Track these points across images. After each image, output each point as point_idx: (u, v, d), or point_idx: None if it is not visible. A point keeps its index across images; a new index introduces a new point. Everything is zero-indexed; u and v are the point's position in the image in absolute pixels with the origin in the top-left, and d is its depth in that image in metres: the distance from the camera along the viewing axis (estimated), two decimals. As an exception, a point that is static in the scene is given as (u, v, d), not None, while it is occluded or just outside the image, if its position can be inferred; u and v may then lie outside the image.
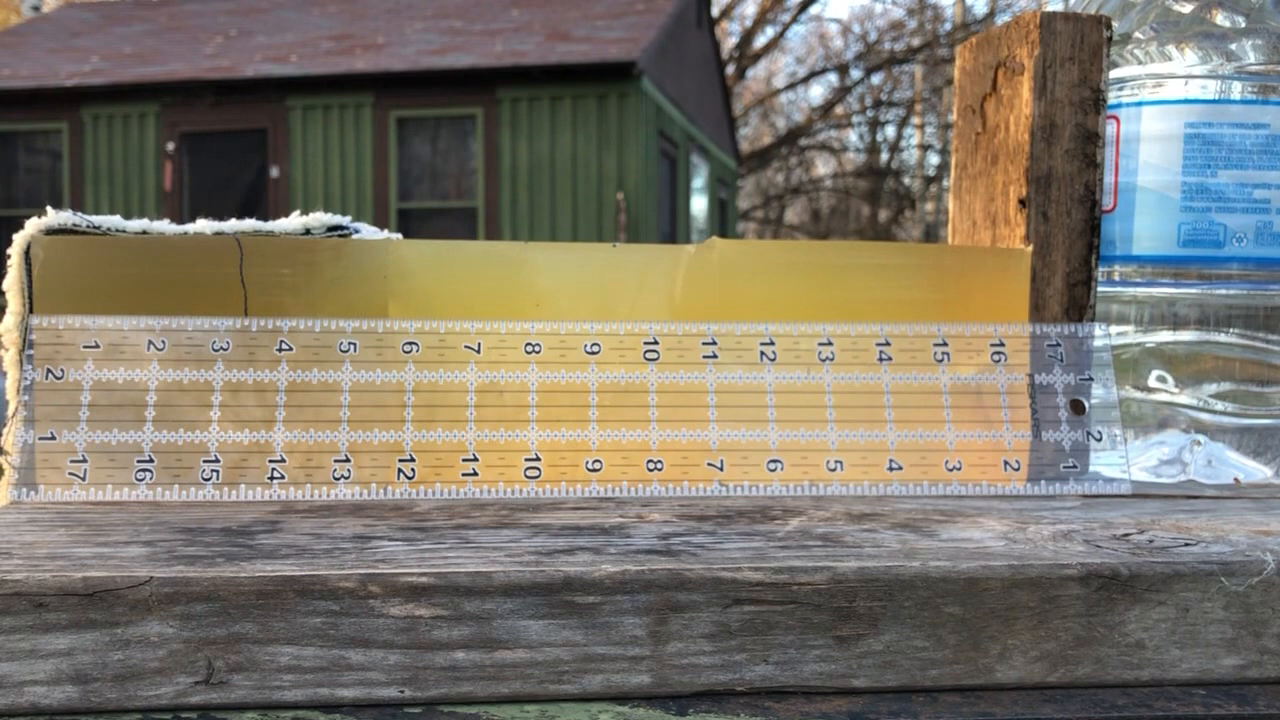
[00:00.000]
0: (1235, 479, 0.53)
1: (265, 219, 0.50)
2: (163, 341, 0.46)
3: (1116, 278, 0.55)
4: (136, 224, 0.48)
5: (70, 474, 0.44)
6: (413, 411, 0.47)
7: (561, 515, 0.43)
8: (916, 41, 15.15)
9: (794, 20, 15.31)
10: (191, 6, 9.10)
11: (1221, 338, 0.54)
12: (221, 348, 0.46)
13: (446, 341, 0.48)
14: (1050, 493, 0.49)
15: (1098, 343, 0.51)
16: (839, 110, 15.83)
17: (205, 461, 0.45)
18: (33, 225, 0.47)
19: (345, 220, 0.51)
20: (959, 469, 0.48)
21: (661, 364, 0.48)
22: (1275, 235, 0.53)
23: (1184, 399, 0.54)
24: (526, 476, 0.46)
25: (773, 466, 0.48)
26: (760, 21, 15.16)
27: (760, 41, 15.40)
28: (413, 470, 0.46)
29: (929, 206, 15.44)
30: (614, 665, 0.35)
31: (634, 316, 0.49)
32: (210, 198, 7.34)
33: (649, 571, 0.35)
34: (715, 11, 11.79)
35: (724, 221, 10.65)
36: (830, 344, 0.49)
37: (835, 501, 0.47)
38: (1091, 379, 0.50)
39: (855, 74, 15.62)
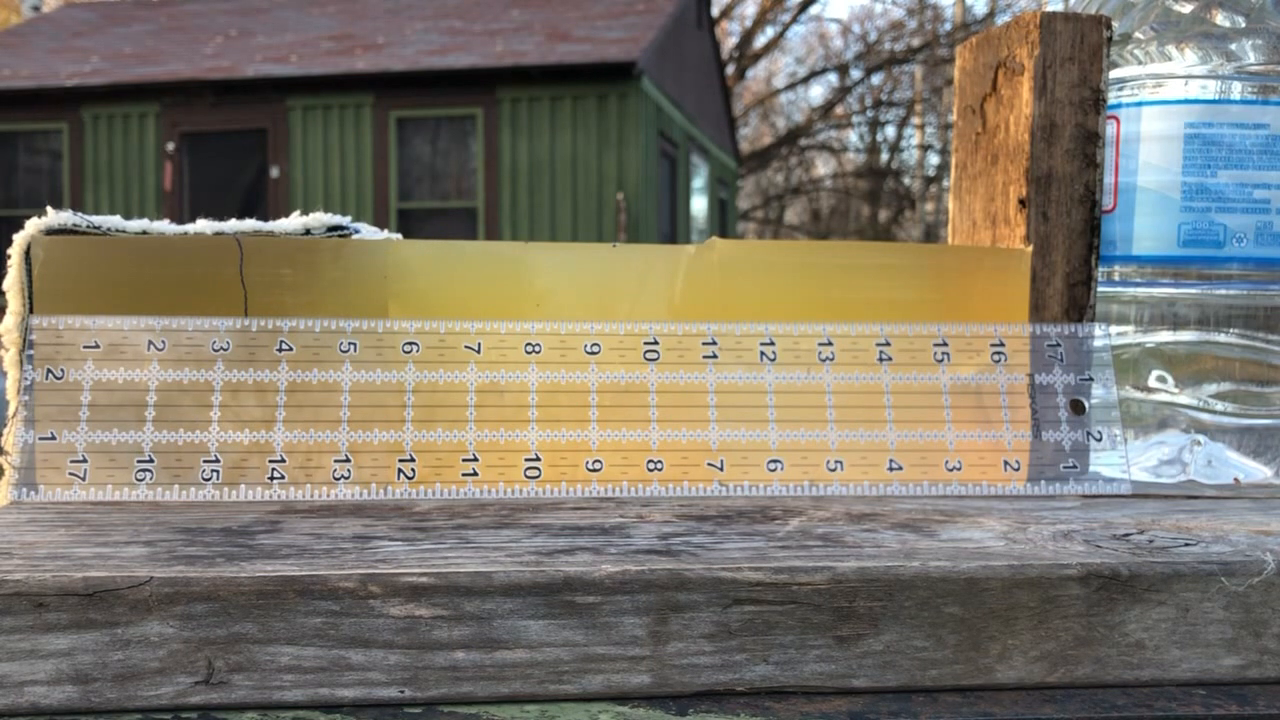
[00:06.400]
0: (1235, 479, 0.53)
1: (265, 219, 0.50)
2: (163, 341, 0.46)
3: (1116, 278, 0.55)
4: (136, 224, 0.48)
5: (70, 474, 0.44)
6: (413, 411, 0.47)
7: (561, 515, 0.43)
8: (916, 41, 15.15)
9: (794, 20, 15.32)
10: (191, 6, 9.09)
11: (1221, 338, 0.54)
12: (221, 348, 0.46)
13: (446, 341, 0.48)
14: (1050, 493, 0.49)
15: (1098, 343, 0.51)
16: (839, 110, 15.83)
17: (205, 461, 0.45)
18: (33, 225, 0.47)
19: (345, 220, 0.51)
20: (959, 469, 0.48)
21: (661, 364, 0.48)
22: (1275, 235, 0.53)
23: (1184, 399, 0.54)
24: (526, 476, 0.46)
25: (773, 466, 0.48)
26: (760, 22, 15.16)
27: (760, 42, 15.41)
28: (413, 470, 0.46)
29: (929, 206, 15.43)
30: (614, 665, 0.35)
31: (634, 316, 0.49)
32: (210, 198, 7.34)
33: (649, 571, 0.35)
34: (715, 11, 11.79)
35: (724, 221, 10.65)
36: (830, 344, 0.49)
37: (835, 501, 0.47)
38: (1091, 379, 0.50)
39: (855, 74, 15.62)
